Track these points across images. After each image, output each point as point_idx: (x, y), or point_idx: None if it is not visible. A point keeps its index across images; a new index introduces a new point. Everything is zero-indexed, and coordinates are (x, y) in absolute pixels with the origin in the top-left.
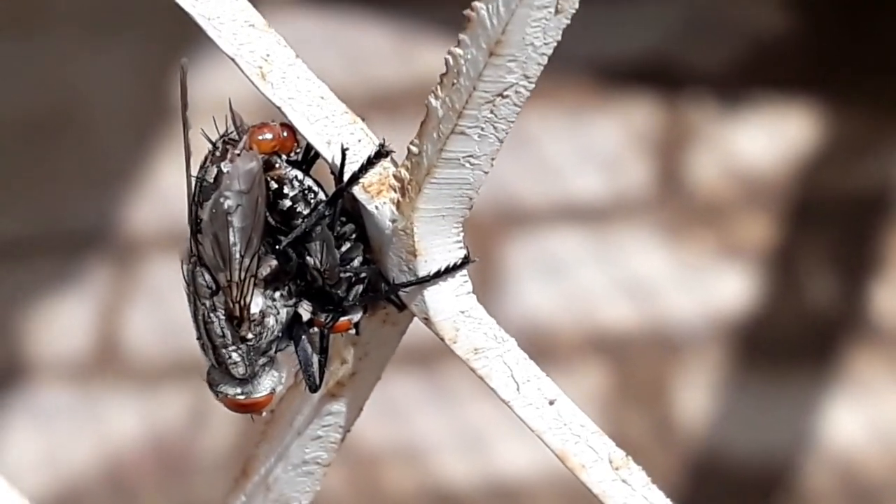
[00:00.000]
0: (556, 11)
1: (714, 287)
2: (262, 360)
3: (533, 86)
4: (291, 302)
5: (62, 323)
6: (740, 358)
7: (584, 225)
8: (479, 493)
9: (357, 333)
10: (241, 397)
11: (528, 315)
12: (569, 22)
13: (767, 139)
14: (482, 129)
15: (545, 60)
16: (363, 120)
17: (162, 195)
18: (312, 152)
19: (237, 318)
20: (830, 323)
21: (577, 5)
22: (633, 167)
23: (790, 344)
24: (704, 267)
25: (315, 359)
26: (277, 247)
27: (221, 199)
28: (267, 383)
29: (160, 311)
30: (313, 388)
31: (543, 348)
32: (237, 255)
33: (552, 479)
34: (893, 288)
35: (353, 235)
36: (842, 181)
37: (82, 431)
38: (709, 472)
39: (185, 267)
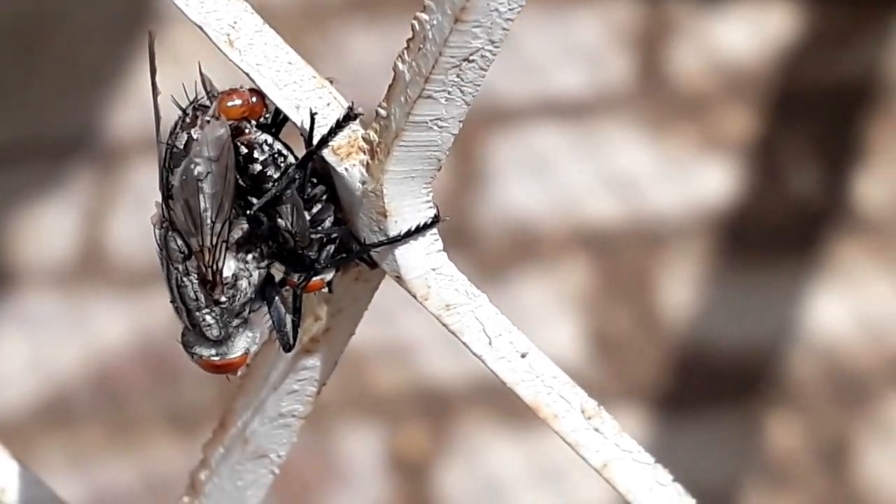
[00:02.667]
0: None
1: (697, 180)
2: (235, 322)
3: (499, 49)
4: (264, 264)
5: (47, 229)
6: (724, 250)
7: (567, 121)
8: (467, 391)
9: (330, 291)
10: (216, 358)
11: (512, 212)
12: None
13: (749, 31)
14: (449, 92)
15: (510, 25)
16: (332, 83)
17: (144, 100)
18: (282, 116)
19: (210, 282)
20: (814, 213)
21: None
22: (615, 61)
23: (774, 235)
24: (687, 160)
25: (288, 318)
26: (249, 211)
27: (192, 166)
28: (241, 344)
29: (145, 215)
30: (287, 348)
31: (528, 245)
32: (208, 221)
33: None
34: (876, 177)
35: (324, 197)
36: (823, 72)
37: (69, 336)
38: (694, 364)
39: (156, 231)
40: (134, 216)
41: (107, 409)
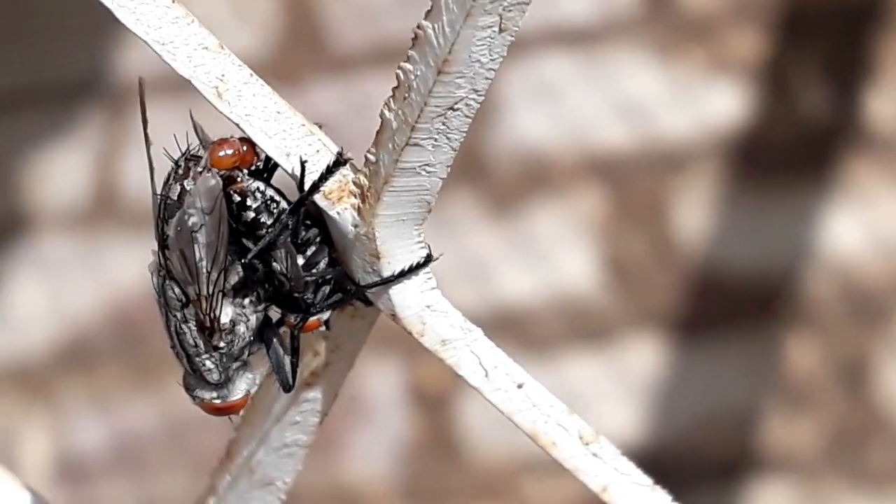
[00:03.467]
0: (500, 30)
1: (707, 103)
2: (235, 365)
3: (483, 97)
4: (261, 307)
5: (60, 173)
6: (736, 172)
7: (575, 48)
8: (486, 322)
9: (328, 329)
10: (218, 401)
11: (523, 141)
12: (514, 39)
13: None
14: (436, 139)
15: (493, 74)
16: (321, 128)
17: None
18: (273, 162)
19: (208, 329)
20: (825, 132)
21: (520, 24)
22: None
23: (786, 155)
24: (697, 83)
25: (287, 360)
26: (243, 260)
27: (185, 218)
28: (241, 386)
29: (156, 155)
30: (286, 389)
31: (540, 174)
32: (204, 270)
33: (555, 303)
34: (886, 94)
35: (318, 239)
36: None
37: (86, 279)
38: (709, 287)
39: (154, 279)
40: (145, 157)
41: (126, 350)
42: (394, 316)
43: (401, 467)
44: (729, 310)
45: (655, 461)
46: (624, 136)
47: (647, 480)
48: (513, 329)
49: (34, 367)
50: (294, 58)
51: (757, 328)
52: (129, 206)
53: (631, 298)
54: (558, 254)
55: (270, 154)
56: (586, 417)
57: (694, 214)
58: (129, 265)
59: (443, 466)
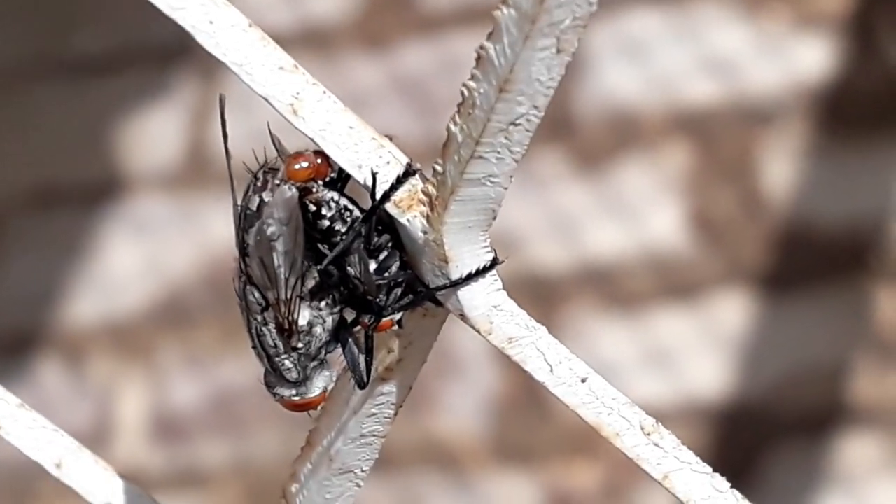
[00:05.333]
0: (558, 51)
1: (795, 57)
2: (313, 364)
3: (542, 113)
4: (336, 310)
5: (154, 135)
6: (824, 125)
7: (663, 3)
8: (574, 276)
9: (400, 328)
10: (297, 398)
11: (611, 98)
12: (570, 59)
13: None
14: (499, 153)
15: (552, 92)
16: (391, 140)
17: (246, 4)
18: (346, 173)
19: (287, 331)
20: None
21: (576, 45)
22: None
23: (874, 108)
24: (784, 37)
25: (362, 358)
26: (319, 266)
27: (264, 228)
28: (319, 384)
29: (248, 117)
30: (361, 386)
31: (628, 131)
32: (282, 277)
33: (643, 259)
34: None
35: (390, 244)
36: None
37: (181, 239)
38: (799, 242)
39: (236, 284)
40: (238, 118)
41: (221, 308)
42: (462, 316)
43: (491, 423)
44: (817, 264)
45: (744, 415)
46: (712, 92)
47: (707, 468)
48: (601, 285)
49: (131, 327)
50: (383, 19)
51: (846, 282)
52: (223, 167)
53: (719, 253)
54: (647, 210)
55: (343, 166)
56: (675, 373)
57: (782, 169)
58: (223, 224)
59: (532, 422)
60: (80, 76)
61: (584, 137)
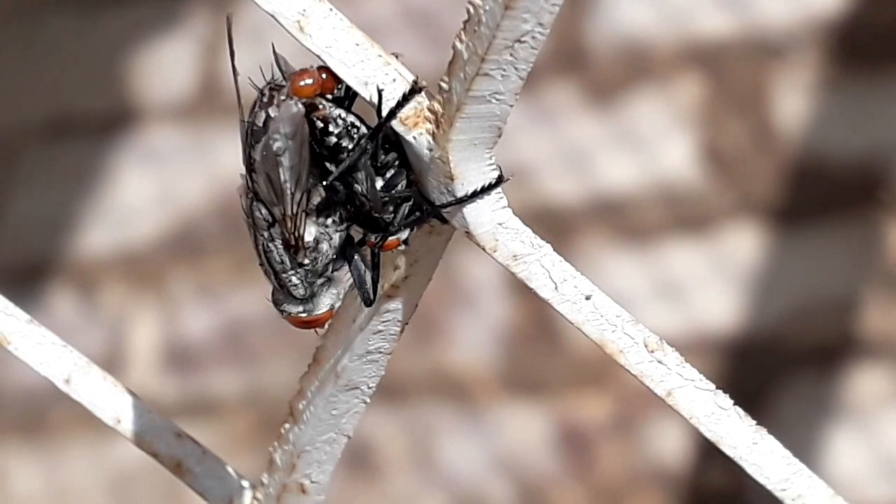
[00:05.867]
0: None
1: None
2: (319, 281)
3: (547, 31)
4: (343, 227)
5: (166, 65)
6: (838, 59)
7: None
8: (584, 209)
9: (407, 245)
10: (304, 315)
11: (624, 30)
12: None
13: None
14: (504, 70)
15: (557, 9)
16: (397, 58)
17: None
18: (352, 90)
19: (294, 247)
20: None
21: None
22: None
23: (888, 41)
24: None
25: (368, 275)
26: (325, 181)
27: (270, 142)
28: (326, 301)
29: (260, 48)
30: (368, 303)
31: (640, 63)
32: (289, 191)
33: (655, 192)
34: None
35: (397, 162)
36: None
37: (193, 169)
38: (811, 174)
39: (243, 201)
40: (250, 49)
41: (233, 239)
42: (468, 233)
43: (501, 354)
44: (829, 197)
45: (754, 348)
46: (725, 24)
47: (710, 385)
48: (613, 217)
49: (143, 257)
50: None
51: (857, 215)
52: (235, 97)
53: (731, 186)
54: (658, 142)
55: (349, 83)
56: (686, 305)
57: (795, 102)
58: (236, 154)
59: (543, 353)
60: (92, 7)
61: (596, 70)
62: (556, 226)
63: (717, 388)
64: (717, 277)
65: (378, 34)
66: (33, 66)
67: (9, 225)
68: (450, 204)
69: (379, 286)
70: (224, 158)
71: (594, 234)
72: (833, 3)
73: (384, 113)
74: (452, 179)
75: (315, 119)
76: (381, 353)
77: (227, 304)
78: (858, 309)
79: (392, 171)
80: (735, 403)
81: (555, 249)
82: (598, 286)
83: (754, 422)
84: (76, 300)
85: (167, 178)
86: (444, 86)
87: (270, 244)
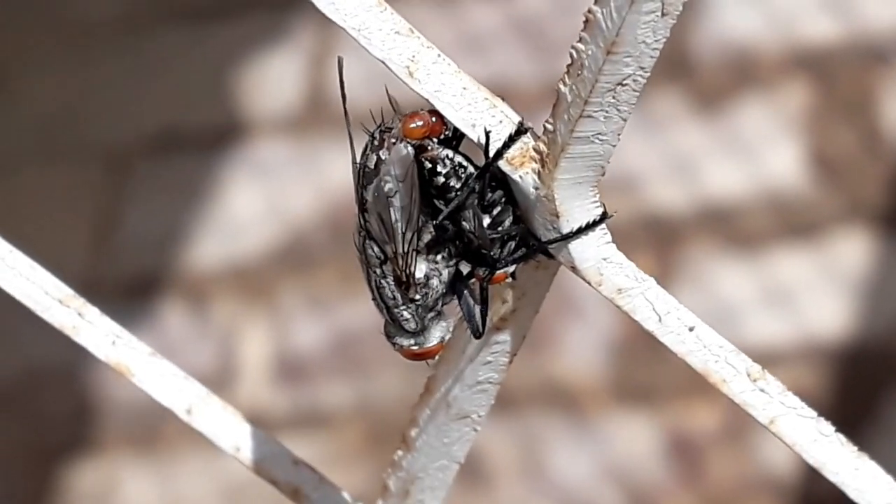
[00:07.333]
0: (663, 14)
1: None
2: (430, 315)
3: (648, 74)
4: (452, 262)
5: (274, 79)
6: None
7: None
8: (692, 218)
9: (514, 280)
10: (415, 348)
11: (730, 37)
12: (675, 21)
13: None
14: (607, 112)
15: (657, 53)
16: (503, 100)
17: None
18: (460, 131)
19: (405, 283)
20: None
21: (681, 7)
22: None
23: None
24: None
25: (477, 309)
26: (435, 221)
27: (382, 184)
28: (437, 334)
29: (366, 59)
30: (477, 336)
31: (746, 70)
32: (400, 231)
33: (762, 199)
34: None
35: (503, 200)
36: None
37: (302, 181)
38: None
39: (356, 239)
40: (356, 60)
41: (341, 250)
42: (573, 268)
43: (611, 364)
44: None
45: (864, 356)
46: (831, 29)
47: (812, 413)
48: (721, 225)
49: (253, 269)
50: None
51: None
52: (341, 110)
53: (839, 192)
54: (766, 149)
55: (457, 125)
56: (794, 312)
57: None
58: (344, 166)
59: (652, 361)
60: (201, 21)
61: (702, 77)
62: (663, 234)
63: (828, 397)
64: (825, 284)
65: (483, 43)
66: (144, 80)
67: (121, 239)
68: (556, 240)
69: (487, 319)
70: (332, 170)
71: (702, 242)
72: None
73: (491, 153)
74: (558, 217)
75: (424, 160)
76: (490, 383)
77: (336, 316)
78: None
79: (498, 209)
80: (844, 412)
81: (662, 259)
82: (706, 296)
83: (856, 447)
84: (187, 313)
85: (276, 191)
86: (549, 127)
87: (382, 280)
